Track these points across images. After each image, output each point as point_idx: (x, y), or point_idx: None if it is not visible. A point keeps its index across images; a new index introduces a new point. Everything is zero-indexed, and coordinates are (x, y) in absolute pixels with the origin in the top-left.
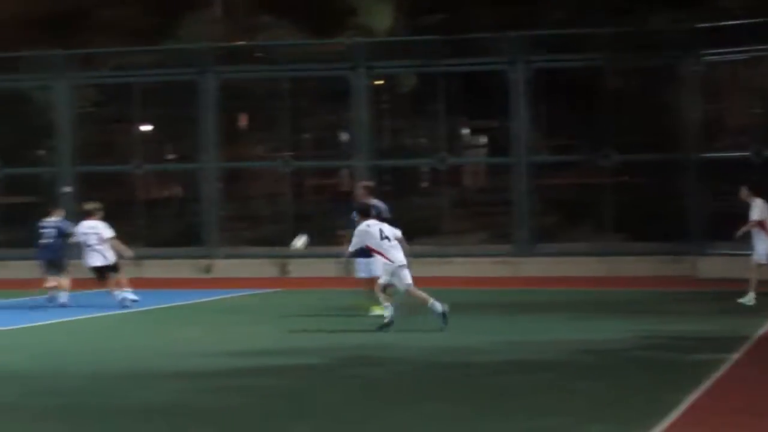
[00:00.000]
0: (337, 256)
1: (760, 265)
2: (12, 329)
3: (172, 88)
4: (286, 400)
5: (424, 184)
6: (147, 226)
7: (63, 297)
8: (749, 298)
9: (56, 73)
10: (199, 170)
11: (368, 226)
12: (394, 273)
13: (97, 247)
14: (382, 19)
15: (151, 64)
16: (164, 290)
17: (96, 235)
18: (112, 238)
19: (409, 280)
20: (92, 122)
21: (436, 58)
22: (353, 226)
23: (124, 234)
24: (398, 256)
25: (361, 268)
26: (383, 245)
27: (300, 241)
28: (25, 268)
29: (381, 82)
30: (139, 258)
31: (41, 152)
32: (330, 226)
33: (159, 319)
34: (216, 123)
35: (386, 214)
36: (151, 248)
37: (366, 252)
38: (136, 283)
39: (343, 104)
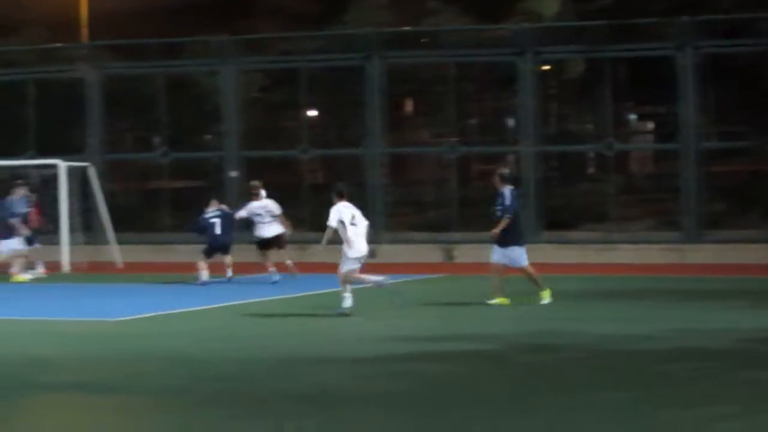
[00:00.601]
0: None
1: None
2: (179, 312)
3: (339, 73)
4: (452, 386)
5: (591, 171)
6: (312, 212)
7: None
8: None
9: (223, 58)
10: (365, 155)
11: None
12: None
13: (269, 221)
14: (549, 4)
15: (318, 50)
16: (329, 275)
17: (269, 212)
18: (280, 215)
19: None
20: (259, 107)
21: (604, 44)
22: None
23: (290, 219)
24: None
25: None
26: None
27: None
28: (192, 252)
29: (548, 67)
30: (304, 242)
31: (208, 137)
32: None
33: (323, 303)
34: (381, 108)
35: (507, 202)
36: (316, 233)
37: (505, 239)
38: (301, 267)
39: (509, 90)
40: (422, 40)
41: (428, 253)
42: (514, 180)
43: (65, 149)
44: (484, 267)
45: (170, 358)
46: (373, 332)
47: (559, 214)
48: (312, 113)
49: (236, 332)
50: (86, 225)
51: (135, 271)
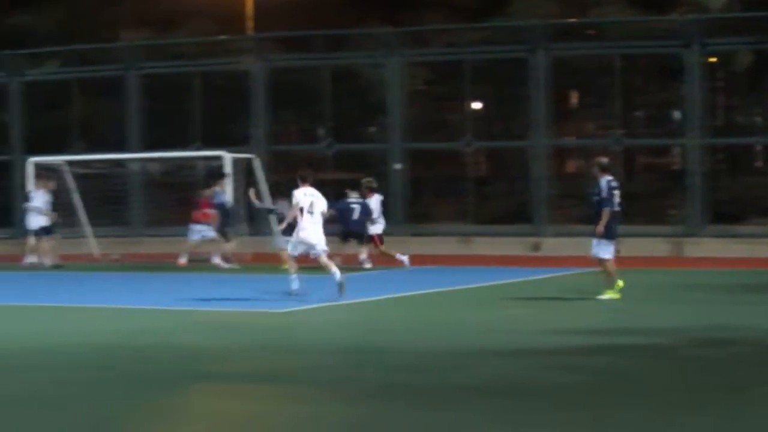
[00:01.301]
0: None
1: None
2: (344, 304)
3: (503, 65)
4: (617, 380)
5: (758, 164)
6: (476, 204)
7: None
8: None
9: (388, 50)
10: (529, 148)
11: None
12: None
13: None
14: None
15: (482, 42)
16: (493, 267)
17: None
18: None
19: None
20: (423, 99)
21: None
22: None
23: (454, 211)
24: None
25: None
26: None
27: None
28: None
29: (714, 59)
30: (467, 235)
31: (372, 129)
32: (660, 205)
33: (486, 296)
34: (546, 100)
35: (603, 194)
36: (479, 225)
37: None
38: (464, 260)
39: (675, 82)
40: (587, 32)
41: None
42: (610, 170)
43: (230, 141)
44: (649, 260)
45: (336, 349)
46: (540, 325)
47: (726, 207)
48: (476, 106)
49: (401, 323)
50: (250, 216)
51: (299, 263)
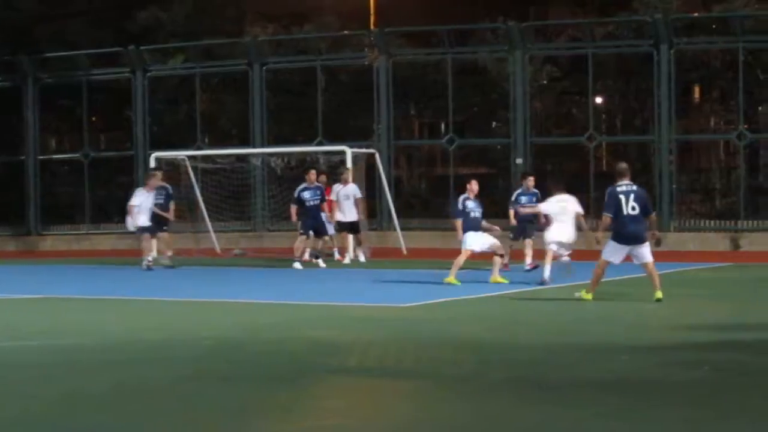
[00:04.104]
0: None
1: None
2: (467, 298)
3: (627, 59)
4: (741, 376)
5: None
6: (598, 198)
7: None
8: None
9: (512, 44)
10: (653, 142)
11: None
12: None
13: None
14: None
15: (606, 36)
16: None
17: None
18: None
19: None
20: (546, 93)
21: None
22: None
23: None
24: None
25: None
26: None
27: None
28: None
29: None
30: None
31: (496, 124)
32: None
33: (608, 291)
34: (670, 95)
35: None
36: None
37: None
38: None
39: None
40: (713, 26)
41: (716, 241)
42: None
43: (353, 136)
44: None
45: (460, 344)
46: (664, 320)
47: None
48: (600, 100)
49: (525, 318)
50: (372, 211)
51: (420, 257)
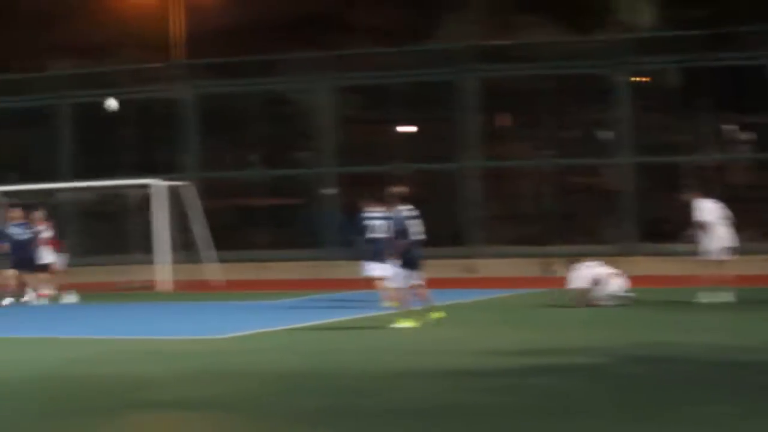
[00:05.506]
0: None
1: None
2: (281, 329)
3: (433, 87)
4: (555, 400)
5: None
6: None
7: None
8: None
9: (317, 75)
10: (460, 170)
11: None
12: None
13: None
14: (642, 15)
15: (411, 65)
16: (429, 290)
17: None
18: None
19: None
20: (353, 123)
21: (700, 53)
22: None
23: None
24: None
25: None
26: None
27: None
28: (290, 269)
29: (644, 78)
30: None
31: (303, 154)
32: (594, 225)
33: (425, 319)
34: (477, 122)
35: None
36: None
37: None
38: None
39: (605, 101)
40: (516, 54)
41: (527, 266)
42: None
43: (163, 168)
44: None
45: (272, 375)
46: (472, 345)
47: (659, 226)
48: (406, 129)
49: (339, 347)
50: (184, 244)
51: (235, 289)
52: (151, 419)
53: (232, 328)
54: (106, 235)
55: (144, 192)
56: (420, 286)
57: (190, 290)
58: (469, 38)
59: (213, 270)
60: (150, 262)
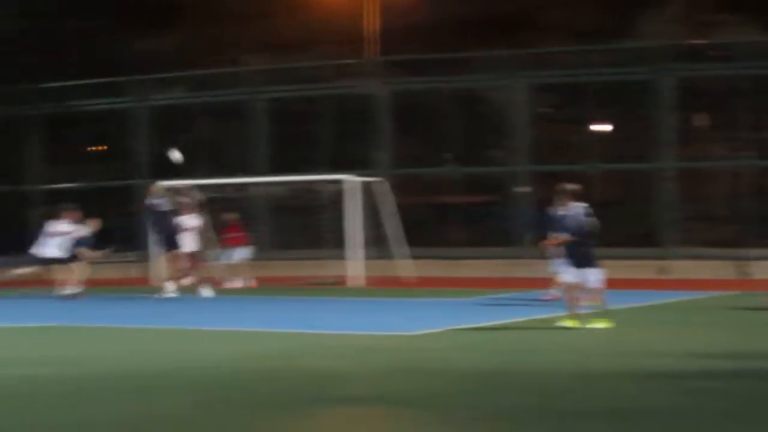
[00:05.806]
0: None
1: None
2: (476, 326)
3: (628, 87)
4: (740, 403)
5: None
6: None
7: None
8: None
9: (512, 72)
10: (656, 170)
11: None
12: None
13: None
14: None
15: (606, 64)
16: (620, 291)
17: None
18: None
19: None
20: (547, 121)
21: None
22: None
23: None
24: None
25: None
26: None
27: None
28: (482, 267)
29: None
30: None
31: (497, 151)
32: None
33: (616, 320)
34: (673, 122)
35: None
36: (607, 248)
37: None
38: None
39: None
40: (714, 53)
41: (722, 269)
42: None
43: (356, 164)
44: None
45: (464, 373)
46: (665, 347)
47: None
48: (602, 127)
49: (533, 346)
50: (376, 240)
51: (426, 286)
52: (344, 414)
53: (422, 325)
54: (298, 229)
55: (337, 187)
56: (595, 289)
57: (381, 286)
58: (666, 37)
59: (405, 266)
60: (342, 257)
